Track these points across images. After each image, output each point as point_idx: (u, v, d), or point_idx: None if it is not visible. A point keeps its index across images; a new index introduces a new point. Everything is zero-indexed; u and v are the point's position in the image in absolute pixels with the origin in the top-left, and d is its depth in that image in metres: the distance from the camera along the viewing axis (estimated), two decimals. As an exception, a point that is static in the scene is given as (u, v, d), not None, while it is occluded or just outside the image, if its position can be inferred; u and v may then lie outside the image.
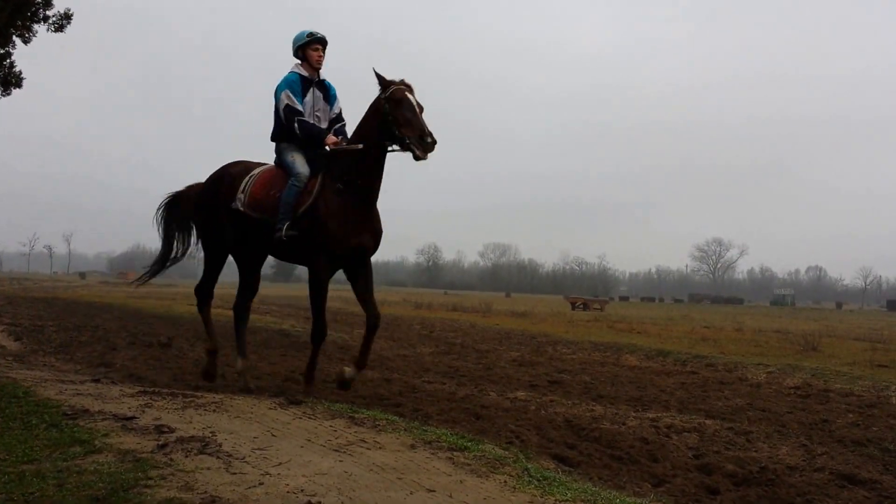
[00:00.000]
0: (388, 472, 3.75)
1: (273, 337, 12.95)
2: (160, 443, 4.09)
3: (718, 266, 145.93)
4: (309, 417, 5.13)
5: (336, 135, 6.69)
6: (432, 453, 4.22)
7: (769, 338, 18.47)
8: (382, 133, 6.13)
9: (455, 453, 4.23)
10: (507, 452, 4.42)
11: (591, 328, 20.32)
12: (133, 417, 4.74)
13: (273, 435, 4.50)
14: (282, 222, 6.28)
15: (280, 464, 3.80)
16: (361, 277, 6.61)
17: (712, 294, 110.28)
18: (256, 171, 6.82)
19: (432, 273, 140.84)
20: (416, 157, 5.92)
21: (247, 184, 6.71)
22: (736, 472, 4.87)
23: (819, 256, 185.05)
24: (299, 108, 6.56)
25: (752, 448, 5.61)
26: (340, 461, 3.93)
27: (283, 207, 6.30)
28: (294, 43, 6.76)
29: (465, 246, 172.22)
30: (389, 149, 6.19)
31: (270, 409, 5.42)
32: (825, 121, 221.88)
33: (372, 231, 6.50)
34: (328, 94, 6.90)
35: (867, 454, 5.57)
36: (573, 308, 39.82)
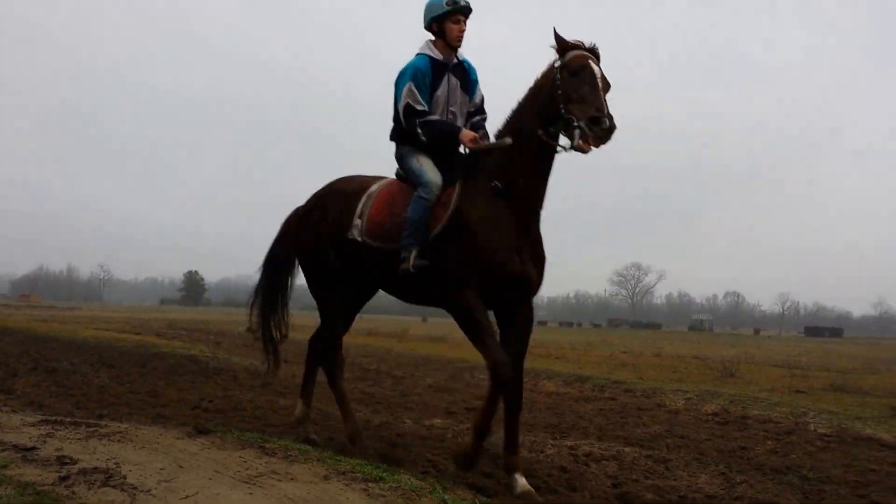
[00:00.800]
0: (301, 505, 3.62)
1: (182, 363, 12.53)
2: (62, 474, 3.91)
3: (637, 291, 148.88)
4: (218, 448, 4.94)
5: (474, 129, 5.26)
6: (346, 484, 4.11)
7: (688, 363, 18.88)
8: (546, 115, 4.66)
9: (370, 484, 4.12)
10: (423, 483, 4.32)
11: (509, 353, 20.33)
12: (34, 448, 4.50)
13: (180, 466, 4.33)
14: (407, 248, 4.85)
15: (187, 497, 3.65)
16: (518, 323, 5.02)
17: (631, 319, 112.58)
18: (375, 186, 5.44)
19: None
20: (578, 147, 4.42)
21: (365, 205, 5.33)
22: (655, 502, 4.88)
23: (737, 282, 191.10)
24: (422, 107, 5.12)
25: (672, 476, 5.63)
26: (250, 493, 3.80)
27: (410, 228, 4.89)
28: (427, 13, 5.23)
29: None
30: (558, 146, 4.67)
31: (178, 438, 5.20)
32: (744, 150, 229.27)
33: (536, 256, 4.94)
34: (467, 80, 5.40)
35: (786, 482, 5.62)
36: (490, 333, 39.96)
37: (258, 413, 7.43)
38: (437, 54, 5.24)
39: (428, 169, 5.07)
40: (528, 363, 6.16)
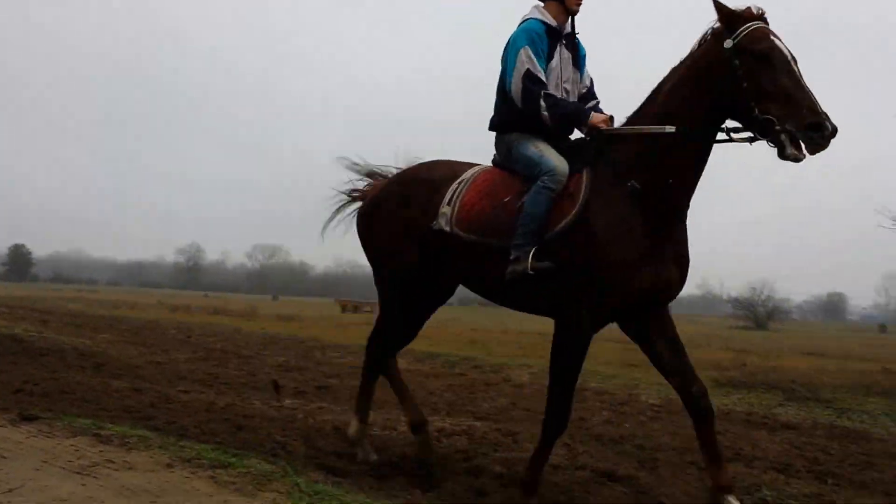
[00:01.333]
0: (142, 496, 3.42)
1: (2, 342, 11.57)
2: None
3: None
4: (46, 436, 4.62)
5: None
6: (192, 472, 3.91)
7: (532, 339, 19.43)
8: (722, 109, 3.76)
9: (217, 471, 3.95)
10: (274, 467, 4.18)
11: (362, 331, 20.18)
12: None
13: (2, 456, 4.02)
14: (522, 247, 3.97)
15: (11, 490, 3.40)
16: (662, 330, 4.35)
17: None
18: (469, 173, 4.57)
19: (193, 274, 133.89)
20: (790, 157, 3.48)
21: (456, 192, 4.46)
22: (503, 474, 4.97)
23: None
24: (543, 76, 4.25)
25: (519, 448, 5.74)
26: (83, 485, 3.56)
27: (529, 222, 3.98)
28: None
29: (231, 245, 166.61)
30: (728, 136, 3.83)
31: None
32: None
33: (678, 258, 4.11)
34: (577, 55, 4.54)
35: (623, 451, 5.86)
36: (343, 311, 39.78)
37: (90, 397, 6.92)
38: (549, 19, 4.37)
39: (551, 155, 4.15)
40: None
